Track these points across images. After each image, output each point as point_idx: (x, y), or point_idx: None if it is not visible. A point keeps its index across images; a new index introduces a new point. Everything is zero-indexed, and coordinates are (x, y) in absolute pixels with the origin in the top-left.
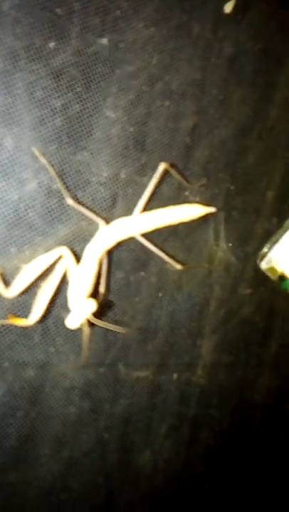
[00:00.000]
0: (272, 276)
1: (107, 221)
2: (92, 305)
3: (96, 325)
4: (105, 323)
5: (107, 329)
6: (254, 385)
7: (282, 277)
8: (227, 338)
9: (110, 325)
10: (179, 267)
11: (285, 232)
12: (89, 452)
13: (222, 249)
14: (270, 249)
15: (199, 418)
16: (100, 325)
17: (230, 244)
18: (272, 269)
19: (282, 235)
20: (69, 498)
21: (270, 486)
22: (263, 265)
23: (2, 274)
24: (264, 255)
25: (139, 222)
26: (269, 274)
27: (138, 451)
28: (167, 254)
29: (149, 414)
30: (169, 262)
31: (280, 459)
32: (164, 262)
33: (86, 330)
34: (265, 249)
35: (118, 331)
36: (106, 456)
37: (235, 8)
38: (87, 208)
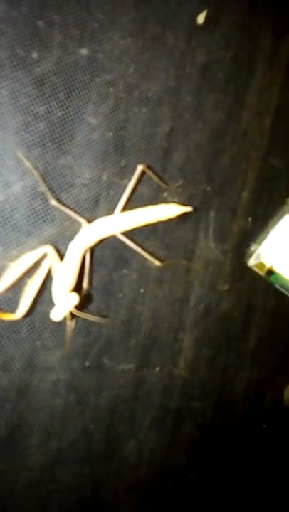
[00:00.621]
0: (261, 272)
1: (89, 220)
2: (75, 298)
3: (79, 317)
4: (87, 314)
5: (92, 324)
6: (234, 378)
7: (270, 272)
8: (207, 332)
9: (91, 316)
10: (157, 263)
11: (272, 228)
12: (75, 443)
13: (200, 247)
14: (258, 245)
15: (182, 410)
16: (82, 317)
17: (212, 245)
18: (261, 265)
19: (269, 232)
20: (56, 488)
21: (252, 474)
22: (252, 261)
23: None
24: (252, 252)
25: (119, 221)
26: (257, 269)
27: (123, 441)
28: (147, 251)
29: (133, 406)
30: (149, 258)
31: (261, 449)
32: (145, 259)
33: (69, 322)
34: (252, 247)
35: (98, 321)
36: (92, 446)
37: (207, 18)
38: (70, 208)
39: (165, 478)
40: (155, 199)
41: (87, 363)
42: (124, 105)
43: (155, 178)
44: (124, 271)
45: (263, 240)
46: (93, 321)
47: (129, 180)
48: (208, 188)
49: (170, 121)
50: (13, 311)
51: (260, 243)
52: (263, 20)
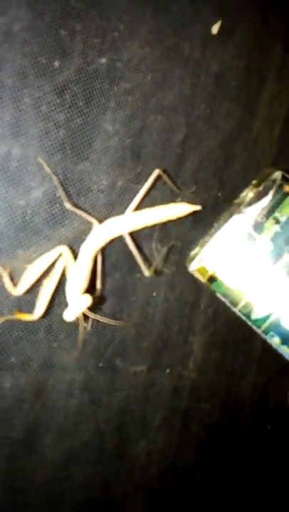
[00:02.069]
0: (202, 278)
1: (101, 221)
2: (88, 300)
3: (91, 318)
4: (99, 316)
5: (106, 326)
6: (241, 380)
7: (212, 279)
8: (216, 335)
9: (104, 318)
10: (146, 273)
11: (216, 231)
12: (88, 442)
13: None
14: (200, 249)
15: (190, 410)
16: (95, 318)
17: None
18: (203, 270)
19: (213, 235)
20: (69, 487)
21: (258, 474)
22: (194, 265)
23: (10, 274)
24: (194, 255)
25: (130, 221)
26: (198, 275)
27: (133, 441)
28: (145, 258)
29: (143, 407)
30: (141, 266)
31: (266, 450)
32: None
33: (82, 323)
34: (195, 250)
35: (111, 323)
36: (103, 446)
37: (221, 29)
38: (84, 210)
39: (174, 478)
40: (167, 204)
41: (100, 364)
42: (141, 113)
43: (170, 183)
44: (138, 275)
45: (206, 242)
46: (108, 323)
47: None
48: (219, 194)
49: (184, 129)
50: (31, 311)
51: (203, 246)
52: (275, 32)
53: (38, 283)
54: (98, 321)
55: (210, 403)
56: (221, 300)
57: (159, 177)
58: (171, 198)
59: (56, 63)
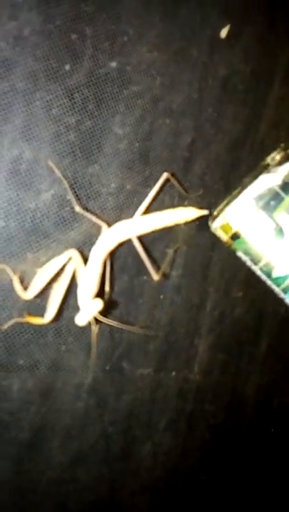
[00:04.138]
0: (224, 236)
1: (110, 225)
2: (99, 304)
3: (103, 323)
4: (110, 320)
5: (113, 329)
6: (246, 382)
7: (234, 236)
8: (221, 337)
9: (115, 322)
10: (155, 277)
11: (243, 189)
12: (94, 444)
13: (217, 254)
14: (226, 206)
15: (195, 412)
16: (106, 322)
17: None
18: (227, 227)
19: (240, 193)
20: (76, 488)
21: (262, 475)
22: (218, 222)
23: (20, 278)
24: (219, 213)
25: (138, 224)
26: (221, 232)
27: (139, 443)
28: (154, 262)
29: (149, 409)
30: (150, 270)
31: (271, 452)
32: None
33: (94, 327)
34: (220, 207)
35: (122, 327)
36: (110, 448)
37: (229, 33)
38: (94, 214)
39: (178, 480)
40: (175, 207)
41: (107, 367)
42: (150, 116)
43: (178, 187)
44: (145, 277)
45: (232, 200)
46: (114, 326)
47: (152, 189)
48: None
49: (192, 132)
50: (38, 314)
51: (228, 204)
52: (281, 36)
53: (48, 286)
54: (105, 324)
55: (215, 405)
56: (226, 302)
57: (167, 180)
58: (178, 202)
59: (67, 67)
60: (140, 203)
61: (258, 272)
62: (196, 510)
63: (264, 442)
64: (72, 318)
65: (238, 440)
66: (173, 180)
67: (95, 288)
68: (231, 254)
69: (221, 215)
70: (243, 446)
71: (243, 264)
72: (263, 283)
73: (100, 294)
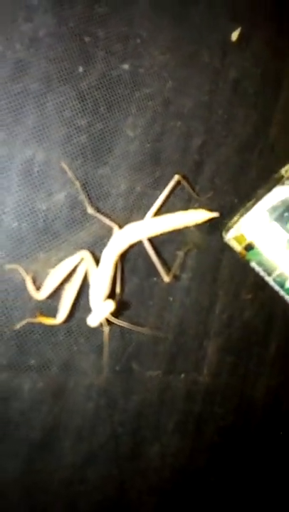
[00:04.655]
0: (238, 246)
1: (121, 227)
2: (111, 305)
3: (113, 324)
4: (122, 322)
5: (123, 331)
6: (254, 384)
7: (248, 247)
8: (230, 340)
9: (126, 323)
10: (166, 279)
11: (257, 201)
12: (104, 445)
13: (227, 257)
14: (240, 217)
15: (204, 414)
16: (118, 323)
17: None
18: (241, 238)
19: (254, 204)
20: (86, 488)
21: (269, 478)
22: (232, 233)
23: (33, 278)
24: (233, 224)
25: (149, 226)
26: (234, 243)
27: (148, 444)
28: (165, 264)
29: (158, 410)
30: (160, 272)
31: (279, 452)
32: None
33: (106, 328)
34: (234, 219)
35: (133, 329)
36: (119, 449)
37: (240, 36)
38: (105, 215)
39: (186, 481)
40: (185, 209)
41: (117, 368)
42: (161, 119)
43: (188, 189)
44: (155, 279)
45: (246, 212)
46: (126, 328)
47: (162, 190)
48: (236, 200)
49: (202, 135)
50: (48, 314)
51: (242, 215)
52: None
53: (59, 287)
54: (115, 326)
55: (223, 407)
56: (235, 305)
57: (178, 183)
58: (187, 204)
59: (80, 69)
60: (150, 204)
61: (271, 283)
62: (204, 511)
63: (273, 444)
64: (82, 319)
65: (247, 443)
66: (184, 183)
67: (106, 289)
68: (240, 256)
69: (235, 226)
70: (251, 448)
71: (252, 267)
72: (271, 286)
73: (111, 295)
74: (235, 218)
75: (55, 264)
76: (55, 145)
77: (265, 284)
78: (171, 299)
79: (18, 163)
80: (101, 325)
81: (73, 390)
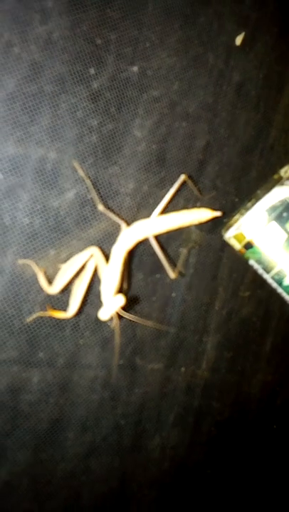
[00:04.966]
0: (237, 245)
1: (129, 224)
2: (121, 300)
3: (123, 318)
4: (132, 316)
5: (126, 326)
6: (251, 380)
7: (248, 245)
8: (229, 336)
9: (136, 317)
10: (172, 276)
11: (257, 201)
12: (107, 437)
13: (227, 255)
14: (240, 216)
15: (203, 408)
16: (128, 317)
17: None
18: (240, 236)
19: (253, 204)
20: (88, 479)
21: (264, 470)
22: (231, 232)
23: (45, 274)
24: (233, 223)
25: (155, 224)
26: (234, 241)
27: (149, 437)
28: (170, 261)
29: (159, 403)
30: (166, 269)
31: (274, 446)
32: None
33: (116, 322)
34: (234, 218)
35: (142, 323)
36: (121, 441)
37: (244, 40)
38: (115, 213)
39: (185, 473)
40: (187, 208)
41: (121, 362)
42: (167, 120)
43: (193, 188)
44: (158, 275)
45: (246, 211)
46: (128, 323)
47: (168, 190)
48: (237, 200)
49: (206, 136)
50: (59, 309)
51: (242, 214)
52: None
53: (69, 282)
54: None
55: (221, 401)
56: (234, 301)
57: (183, 182)
58: (189, 203)
59: (91, 70)
60: (156, 203)
61: (269, 280)
62: (202, 502)
63: (267, 438)
64: (88, 313)
65: (243, 436)
66: (189, 182)
67: (117, 285)
68: (239, 254)
69: (235, 225)
70: (247, 441)
71: (250, 265)
72: (269, 285)
73: (120, 290)
74: (235, 217)
75: (65, 260)
76: (67, 144)
77: (263, 282)
78: (173, 294)
79: (33, 161)
80: (111, 318)
81: (78, 383)
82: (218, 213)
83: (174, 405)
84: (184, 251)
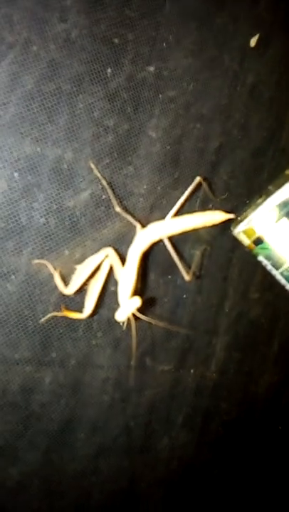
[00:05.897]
0: (247, 240)
1: (143, 225)
2: (138, 301)
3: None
4: (148, 317)
5: (137, 327)
6: (258, 381)
7: (258, 241)
8: (237, 337)
9: (153, 320)
10: (187, 278)
11: (268, 197)
12: (117, 437)
13: (237, 257)
14: (250, 212)
15: (210, 408)
16: (144, 319)
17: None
18: (251, 231)
19: (264, 200)
20: (98, 479)
21: (271, 470)
22: (241, 227)
23: (60, 274)
24: (243, 218)
25: (170, 226)
26: (244, 237)
27: (158, 437)
28: (185, 263)
29: (169, 404)
30: (181, 271)
31: (280, 446)
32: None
33: (133, 323)
34: (244, 213)
35: (158, 324)
36: (131, 441)
37: (259, 42)
38: (130, 214)
39: (193, 473)
40: (201, 209)
41: (132, 363)
42: (182, 121)
43: (207, 190)
44: (169, 277)
45: (257, 207)
46: (138, 323)
47: (180, 191)
48: (248, 201)
49: (220, 138)
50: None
51: (252, 210)
52: None
53: (87, 282)
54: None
55: (228, 402)
56: (243, 303)
57: (199, 184)
58: (204, 204)
59: (109, 70)
60: (169, 204)
61: (278, 277)
62: (209, 501)
63: (274, 438)
64: (101, 314)
65: (249, 436)
66: (204, 184)
67: (132, 286)
68: (249, 256)
69: (245, 220)
70: (253, 442)
71: (259, 266)
72: (278, 285)
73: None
74: (245, 212)
75: (80, 260)
76: (84, 144)
77: (272, 282)
78: (184, 296)
79: (49, 161)
80: (128, 320)
81: (90, 384)
82: (231, 216)
83: (183, 406)
84: (197, 253)
